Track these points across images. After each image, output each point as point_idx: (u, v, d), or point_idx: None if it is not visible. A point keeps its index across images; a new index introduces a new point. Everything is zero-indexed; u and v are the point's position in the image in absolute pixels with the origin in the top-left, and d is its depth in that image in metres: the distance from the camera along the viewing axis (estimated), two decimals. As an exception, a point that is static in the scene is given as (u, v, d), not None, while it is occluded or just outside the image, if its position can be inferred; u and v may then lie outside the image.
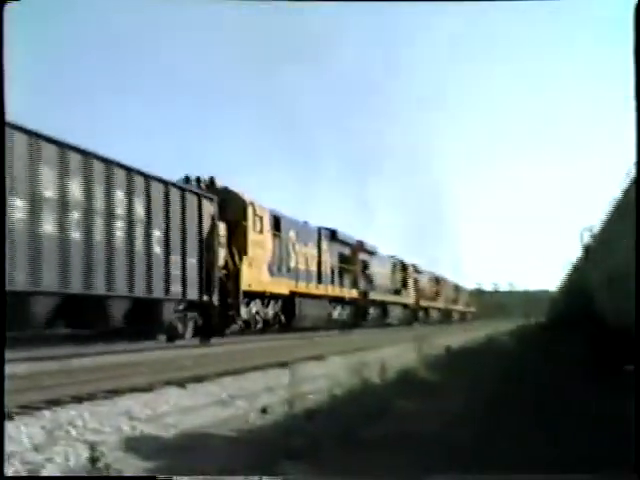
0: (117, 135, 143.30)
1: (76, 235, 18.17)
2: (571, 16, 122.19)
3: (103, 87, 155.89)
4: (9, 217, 15.32)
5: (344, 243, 41.97)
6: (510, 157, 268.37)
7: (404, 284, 56.89)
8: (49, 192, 17.23)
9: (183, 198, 23.29)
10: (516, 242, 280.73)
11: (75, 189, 18.25)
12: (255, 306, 29.53)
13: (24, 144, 16.27)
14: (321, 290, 37.32)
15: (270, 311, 31.23)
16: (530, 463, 6.38)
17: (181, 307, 23.66)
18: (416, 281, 62.29)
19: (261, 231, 29.67)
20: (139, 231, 20.84)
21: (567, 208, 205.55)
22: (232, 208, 27.53)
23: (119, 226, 19.93)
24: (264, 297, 30.27)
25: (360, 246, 44.82)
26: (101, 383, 12.51)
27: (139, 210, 20.87)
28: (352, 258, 43.10)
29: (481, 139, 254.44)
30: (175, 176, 24.53)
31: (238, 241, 27.69)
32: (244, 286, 27.47)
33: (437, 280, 74.48)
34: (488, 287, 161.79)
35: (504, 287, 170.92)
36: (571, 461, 6.42)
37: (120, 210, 19.96)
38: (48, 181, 17.17)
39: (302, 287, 34.49)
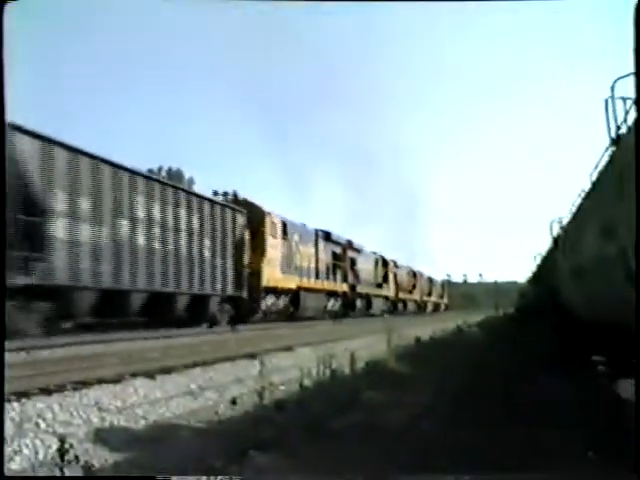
0: (116, 135, 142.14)
1: (156, 245, 24.09)
2: (571, 16, 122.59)
3: (103, 87, 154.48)
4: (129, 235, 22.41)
5: (336, 243, 47.50)
6: (480, 150, 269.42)
7: (385, 278, 61.99)
8: (141, 214, 23.28)
9: (223, 213, 29.54)
10: (485, 234, 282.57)
11: (155, 211, 24.11)
12: (271, 299, 35.29)
13: (127, 180, 22.65)
14: (319, 285, 42.99)
15: (281, 303, 36.95)
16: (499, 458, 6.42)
17: (221, 300, 29.56)
18: (395, 275, 67.30)
19: (275, 236, 35.31)
20: (195, 241, 26.74)
21: (537, 200, 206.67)
22: (253, 217, 32.91)
23: (183, 237, 25.88)
24: (276, 291, 35.74)
25: (349, 245, 50.28)
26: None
27: (195, 224, 26.78)
28: (342, 256, 48.57)
29: (454, 134, 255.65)
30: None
31: (258, 245, 33.22)
32: (264, 282, 33.44)
33: (414, 274, 79.48)
34: (457, 278, 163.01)
35: (473, 278, 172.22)
36: (538, 449, 6.50)
37: (183, 225, 25.86)
38: (141, 206, 23.30)
39: (305, 283, 40.08)
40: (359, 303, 52.86)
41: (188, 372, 13.88)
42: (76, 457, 5.95)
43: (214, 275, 28.38)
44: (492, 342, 23.55)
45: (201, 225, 27.26)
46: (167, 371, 13.56)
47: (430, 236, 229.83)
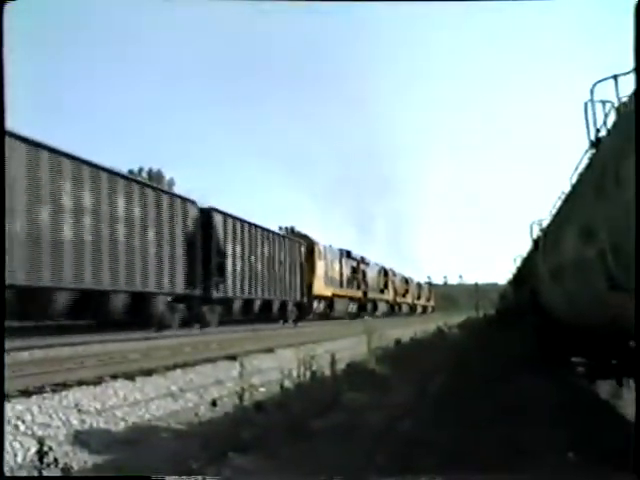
0: (116, 135, 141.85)
1: (266, 272, 38.40)
2: (571, 16, 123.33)
3: (104, 87, 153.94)
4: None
5: (353, 259, 61.22)
6: (460, 152, 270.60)
7: (386, 285, 75.06)
8: (260, 255, 38.01)
9: (292, 245, 44.06)
10: (466, 235, 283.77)
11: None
12: (317, 303, 49.95)
13: (259, 235, 37.58)
14: (344, 292, 57.00)
15: (322, 306, 51.48)
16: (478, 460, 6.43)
17: (293, 305, 44.03)
18: (393, 282, 79.77)
19: (319, 258, 49.89)
20: (282, 269, 41.38)
21: (518, 202, 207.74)
22: (307, 246, 47.48)
23: (276, 264, 40.21)
24: (320, 298, 50.41)
25: (362, 260, 64.15)
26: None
27: (281, 256, 41.21)
28: (357, 269, 62.04)
29: (435, 136, 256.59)
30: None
31: (310, 265, 47.57)
32: (315, 292, 48.49)
33: (406, 281, 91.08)
34: (438, 280, 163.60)
35: (454, 280, 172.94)
36: (517, 449, 6.52)
37: (277, 256, 40.52)
38: (261, 249, 37.94)
39: (336, 291, 54.41)
40: (369, 306, 65.77)
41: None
42: (55, 459, 5.92)
43: (291, 287, 43.17)
44: (472, 343, 23.63)
45: (285, 257, 42.12)
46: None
47: (411, 237, 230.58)
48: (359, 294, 61.99)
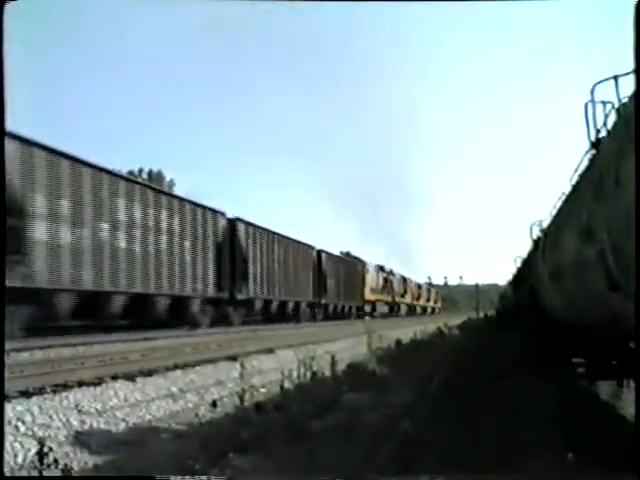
0: (116, 135, 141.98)
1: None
2: (571, 16, 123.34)
3: (104, 87, 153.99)
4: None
5: (385, 271, 79.70)
6: (461, 153, 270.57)
7: (405, 291, 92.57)
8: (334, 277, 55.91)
9: (355, 265, 64.41)
10: (466, 236, 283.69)
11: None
12: (367, 306, 67.47)
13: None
14: (382, 297, 75.96)
15: (368, 309, 67.23)
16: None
17: (357, 309, 62.91)
18: (410, 288, 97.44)
19: (367, 273, 69.11)
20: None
21: (518, 202, 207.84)
22: (361, 265, 66.97)
23: (341, 282, 58.02)
24: (368, 302, 68.40)
25: (390, 272, 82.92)
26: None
27: (343, 276, 58.46)
28: (387, 279, 79.99)
29: (437, 138, 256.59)
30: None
31: (362, 279, 66.59)
32: (365, 298, 67.00)
33: (419, 286, 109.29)
34: (438, 280, 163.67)
35: (454, 281, 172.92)
36: (516, 450, 6.52)
37: (342, 275, 58.15)
38: (330, 272, 55.46)
39: (377, 297, 73.62)
40: (395, 308, 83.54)
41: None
42: (55, 460, 5.92)
43: (354, 297, 62.53)
44: (472, 344, 23.60)
45: (352, 275, 62.28)
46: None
47: (411, 238, 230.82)
48: (389, 299, 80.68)
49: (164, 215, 27.91)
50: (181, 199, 30.21)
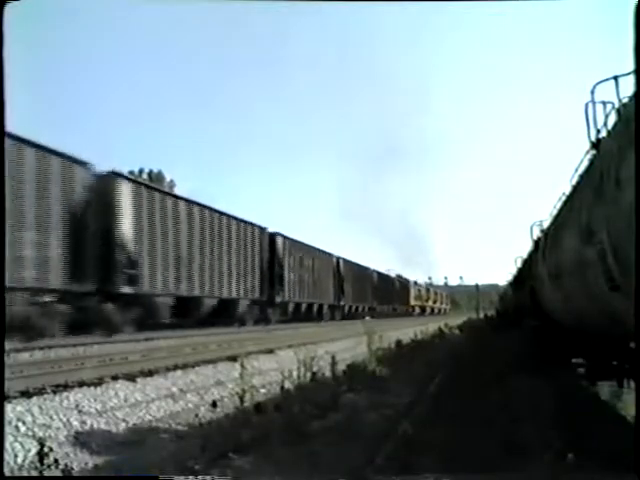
0: (115, 135, 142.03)
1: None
2: (570, 16, 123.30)
3: (103, 87, 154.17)
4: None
5: (417, 285, 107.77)
6: (461, 154, 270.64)
7: (427, 297, 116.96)
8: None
9: (402, 282, 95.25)
10: (467, 236, 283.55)
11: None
12: (411, 309, 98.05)
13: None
14: (418, 303, 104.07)
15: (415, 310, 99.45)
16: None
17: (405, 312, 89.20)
18: (429, 294, 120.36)
19: (411, 287, 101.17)
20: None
21: (519, 203, 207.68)
22: (406, 282, 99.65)
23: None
24: (412, 307, 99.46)
25: (419, 284, 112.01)
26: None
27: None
28: (420, 290, 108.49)
29: (439, 138, 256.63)
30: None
31: (409, 292, 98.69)
32: (410, 304, 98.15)
33: (435, 292, 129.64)
34: (439, 281, 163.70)
35: (454, 281, 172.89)
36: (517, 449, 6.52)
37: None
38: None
39: (415, 303, 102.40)
40: (424, 310, 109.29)
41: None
42: (55, 460, 5.92)
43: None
44: (472, 345, 23.58)
45: (404, 290, 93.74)
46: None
47: (411, 237, 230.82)
48: (421, 303, 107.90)
49: (225, 234, 34.54)
50: (235, 218, 36.07)
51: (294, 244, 45.62)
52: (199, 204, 32.03)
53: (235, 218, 36.00)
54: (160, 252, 27.69)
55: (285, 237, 43.78)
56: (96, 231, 23.45)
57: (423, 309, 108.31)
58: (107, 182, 24.69)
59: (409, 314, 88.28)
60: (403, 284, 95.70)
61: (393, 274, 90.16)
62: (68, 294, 21.79)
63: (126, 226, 25.13)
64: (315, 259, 50.22)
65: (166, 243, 28.24)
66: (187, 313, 30.14)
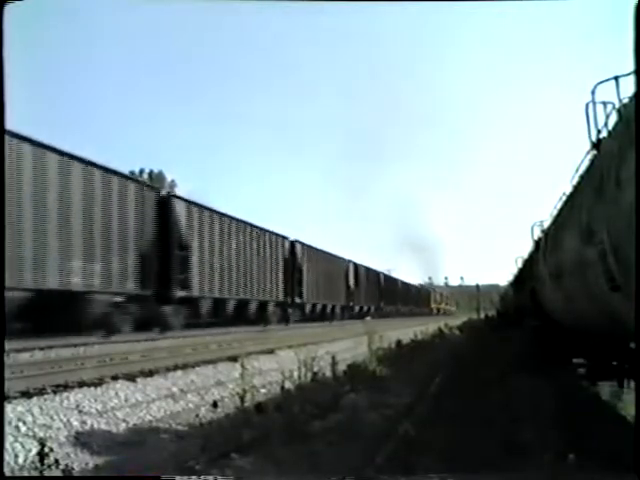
0: (115, 135, 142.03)
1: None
2: (570, 16, 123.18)
3: (95, 88, 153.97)
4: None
5: (436, 291, 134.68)
6: (462, 154, 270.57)
7: (441, 300, 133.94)
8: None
9: (425, 291, 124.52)
10: (467, 237, 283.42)
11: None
12: (432, 310, 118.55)
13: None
14: (437, 306, 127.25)
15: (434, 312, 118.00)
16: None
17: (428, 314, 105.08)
18: (443, 298, 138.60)
19: (433, 293, 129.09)
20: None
21: (520, 203, 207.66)
22: (428, 290, 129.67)
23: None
24: (433, 309, 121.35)
25: (438, 290, 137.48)
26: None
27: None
28: (437, 295, 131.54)
29: (437, 140, 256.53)
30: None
31: (430, 297, 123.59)
32: (431, 306, 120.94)
33: (447, 296, 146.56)
34: (439, 281, 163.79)
35: (455, 282, 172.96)
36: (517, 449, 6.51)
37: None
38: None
39: (436, 306, 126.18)
40: (439, 310, 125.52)
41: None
42: (56, 460, 5.92)
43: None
44: (472, 345, 23.57)
45: (427, 295, 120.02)
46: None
47: (411, 238, 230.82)
48: (437, 306, 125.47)
49: (254, 244, 38.47)
50: (263, 230, 40.39)
51: (310, 250, 49.80)
52: (237, 219, 36.23)
53: (264, 229, 40.51)
54: (207, 261, 31.87)
55: (303, 244, 48.11)
56: (157, 244, 27.15)
57: (438, 310, 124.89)
58: (166, 203, 28.65)
59: (430, 314, 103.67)
60: (427, 291, 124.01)
61: (417, 283, 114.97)
62: (137, 297, 25.61)
63: (180, 239, 29.18)
64: (329, 264, 54.10)
65: (212, 254, 32.41)
66: (226, 314, 34.27)
